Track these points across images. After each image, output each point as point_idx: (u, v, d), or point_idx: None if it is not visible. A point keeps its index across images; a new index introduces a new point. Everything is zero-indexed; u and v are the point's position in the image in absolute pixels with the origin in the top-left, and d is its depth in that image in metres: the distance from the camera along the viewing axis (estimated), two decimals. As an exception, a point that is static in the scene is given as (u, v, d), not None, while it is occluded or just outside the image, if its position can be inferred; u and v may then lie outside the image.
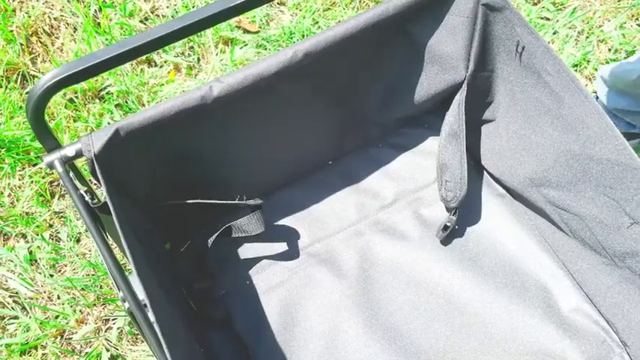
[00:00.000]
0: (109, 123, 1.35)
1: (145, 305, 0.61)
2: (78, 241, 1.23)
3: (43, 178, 1.28)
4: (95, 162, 0.63)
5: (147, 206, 0.73)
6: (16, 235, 1.23)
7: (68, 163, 0.64)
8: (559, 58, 0.69)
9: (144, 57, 1.44)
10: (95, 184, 1.03)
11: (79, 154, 0.63)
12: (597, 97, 1.30)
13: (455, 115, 0.84)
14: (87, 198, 0.65)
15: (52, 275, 1.18)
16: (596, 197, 0.70)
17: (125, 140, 0.64)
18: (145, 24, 1.49)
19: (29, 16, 1.48)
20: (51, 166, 0.63)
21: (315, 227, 0.88)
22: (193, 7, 1.51)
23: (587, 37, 1.50)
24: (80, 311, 1.15)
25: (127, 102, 1.38)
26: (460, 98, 0.84)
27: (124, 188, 0.67)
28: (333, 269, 0.84)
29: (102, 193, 0.67)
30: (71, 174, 0.65)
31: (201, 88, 0.66)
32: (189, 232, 0.85)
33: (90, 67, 0.61)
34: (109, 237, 0.71)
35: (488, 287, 0.80)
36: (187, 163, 0.73)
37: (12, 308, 1.15)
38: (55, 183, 1.29)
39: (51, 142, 0.64)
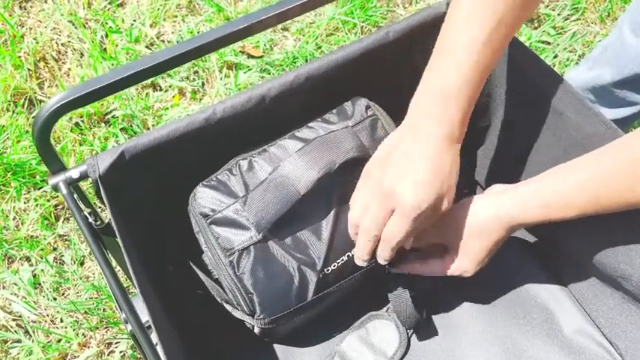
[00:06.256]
0: (113, 146, 1.37)
1: (149, 327, 0.61)
2: (82, 264, 1.23)
3: (48, 201, 1.29)
4: (100, 183, 0.64)
5: (150, 228, 0.74)
6: (20, 258, 1.23)
7: (73, 185, 0.65)
8: (561, 78, 0.70)
9: (149, 81, 1.46)
10: (100, 207, 1.03)
11: (83, 176, 0.64)
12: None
13: None
14: (90, 219, 0.65)
15: (55, 298, 1.19)
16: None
17: (130, 162, 0.65)
18: (150, 49, 1.51)
19: (37, 42, 1.51)
20: (56, 187, 0.64)
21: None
22: (198, 32, 1.54)
23: (587, 61, 1.52)
24: (83, 334, 1.15)
25: (131, 126, 1.39)
26: None
27: (128, 209, 0.67)
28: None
29: (106, 215, 0.68)
30: (75, 196, 0.65)
31: (205, 111, 0.67)
32: (190, 255, 0.85)
33: (95, 90, 0.62)
34: (112, 259, 0.71)
35: (489, 309, 0.80)
36: (190, 185, 0.73)
37: (15, 332, 1.15)
38: (60, 206, 1.30)
39: (56, 165, 0.64)
